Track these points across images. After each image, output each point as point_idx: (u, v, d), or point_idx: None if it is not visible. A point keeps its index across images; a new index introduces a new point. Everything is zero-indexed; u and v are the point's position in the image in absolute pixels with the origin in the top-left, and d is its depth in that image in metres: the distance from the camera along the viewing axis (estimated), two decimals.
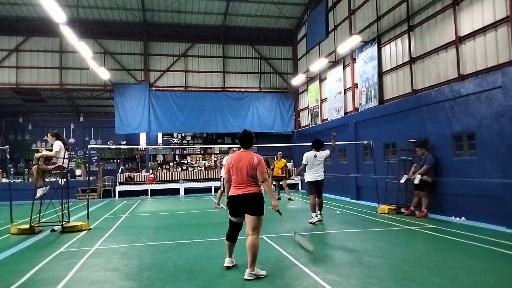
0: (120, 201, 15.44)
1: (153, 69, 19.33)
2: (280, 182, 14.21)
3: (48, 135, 8.28)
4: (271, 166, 14.62)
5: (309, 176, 8.55)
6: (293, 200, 13.61)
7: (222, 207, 11.42)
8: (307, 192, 8.76)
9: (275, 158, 14.47)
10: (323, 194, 8.96)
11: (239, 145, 5.01)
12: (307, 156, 8.58)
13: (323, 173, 8.64)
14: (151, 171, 18.81)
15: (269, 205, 4.81)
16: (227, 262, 5.00)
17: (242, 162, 4.69)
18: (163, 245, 6.55)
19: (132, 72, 19.14)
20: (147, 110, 18.61)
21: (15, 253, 6.23)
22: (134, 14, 18.29)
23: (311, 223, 8.41)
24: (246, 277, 4.49)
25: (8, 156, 9.59)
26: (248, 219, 4.68)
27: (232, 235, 4.96)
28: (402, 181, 9.68)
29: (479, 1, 8.59)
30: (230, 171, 4.80)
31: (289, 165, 20.99)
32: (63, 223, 8.05)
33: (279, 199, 13.49)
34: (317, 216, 8.54)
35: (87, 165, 18.42)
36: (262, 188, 4.80)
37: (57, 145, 8.03)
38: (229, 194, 4.80)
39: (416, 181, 9.01)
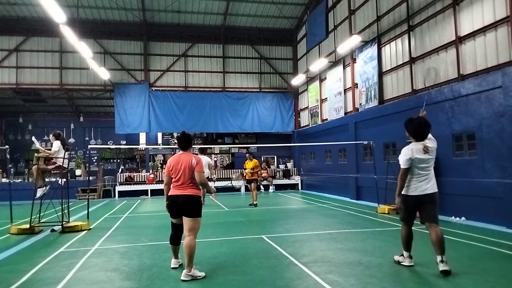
0: (120, 201, 15.43)
1: (153, 69, 19.32)
2: (251, 184, 12.49)
3: (51, 134, 8.32)
4: (246, 168, 12.79)
5: (412, 187, 4.72)
6: (256, 206, 11.96)
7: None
8: (401, 215, 5.05)
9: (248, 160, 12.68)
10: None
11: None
12: (412, 151, 4.67)
13: (435, 183, 4.77)
14: (151, 171, 18.80)
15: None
16: (173, 263, 5.08)
17: (181, 164, 4.73)
18: (163, 245, 6.53)
19: (132, 72, 19.13)
20: (147, 110, 18.61)
21: (15, 253, 6.23)
22: (134, 14, 18.28)
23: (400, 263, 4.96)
24: (182, 278, 4.49)
25: (8, 156, 9.59)
26: (184, 221, 4.69)
27: (175, 238, 4.99)
28: None
29: (479, 1, 8.59)
30: (170, 174, 4.82)
31: (289, 165, 21.03)
32: (63, 223, 8.05)
33: (255, 205, 12.02)
34: (442, 262, 4.49)
35: (87, 165, 18.41)
36: (200, 191, 4.85)
37: (56, 145, 8.06)
38: (168, 194, 4.83)
39: None
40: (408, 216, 4.89)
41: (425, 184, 4.66)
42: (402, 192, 4.79)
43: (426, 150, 4.64)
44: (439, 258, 4.52)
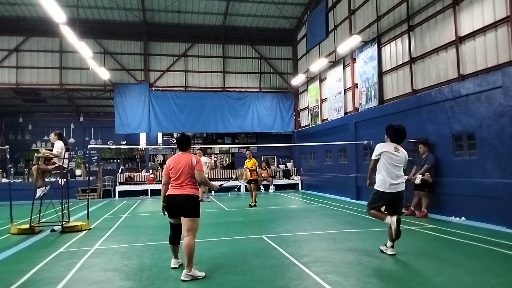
0: (120, 201, 15.43)
1: (153, 69, 19.31)
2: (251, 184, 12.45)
3: (51, 134, 8.30)
4: (246, 167, 12.65)
5: (382, 183, 5.44)
6: (255, 206, 11.97)
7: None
8: (370, 203, 5.63)
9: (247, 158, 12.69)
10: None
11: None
12: (384, 147, 5.53)
13: (404, 182, 5.58)
14: (151, 171, 18.81)
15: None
16: (173, 263, 5.09)
17: (181, 163, 4.75)
18: (163, 245, 6.52)
19: (132, 72, 19.13)
20: (147, 110, 18.60)
21: (15, 253, 6.23)
22: (134, 14, 18.28)
23: (383, 251, 5.67)
24: (182, 278, 4.49)
25: (8, 156, 9.59)
26: (183, 221, 4.68)
27: (174, 238, 5.02)
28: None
29: (479, 1, 8.59)
30: (169, 174, 4.81)
31: (289, 165, 21.02)
32: (63, 223, 8.05)
33: (255, 205, 12.00)
34: (392, 248, 5.59)
35: (87, 165, 18.41)
36: (199, 191, 4.82)
37: (59, 145, 8.04)
38: (166, 194, 4.81)
39: (417, 181, 9.02)
40: (377, 205, 5.59)
41: (395, 183, 5.41)
42: (378, 188, 5.51)
43: (396, 149, 5.53)
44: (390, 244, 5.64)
